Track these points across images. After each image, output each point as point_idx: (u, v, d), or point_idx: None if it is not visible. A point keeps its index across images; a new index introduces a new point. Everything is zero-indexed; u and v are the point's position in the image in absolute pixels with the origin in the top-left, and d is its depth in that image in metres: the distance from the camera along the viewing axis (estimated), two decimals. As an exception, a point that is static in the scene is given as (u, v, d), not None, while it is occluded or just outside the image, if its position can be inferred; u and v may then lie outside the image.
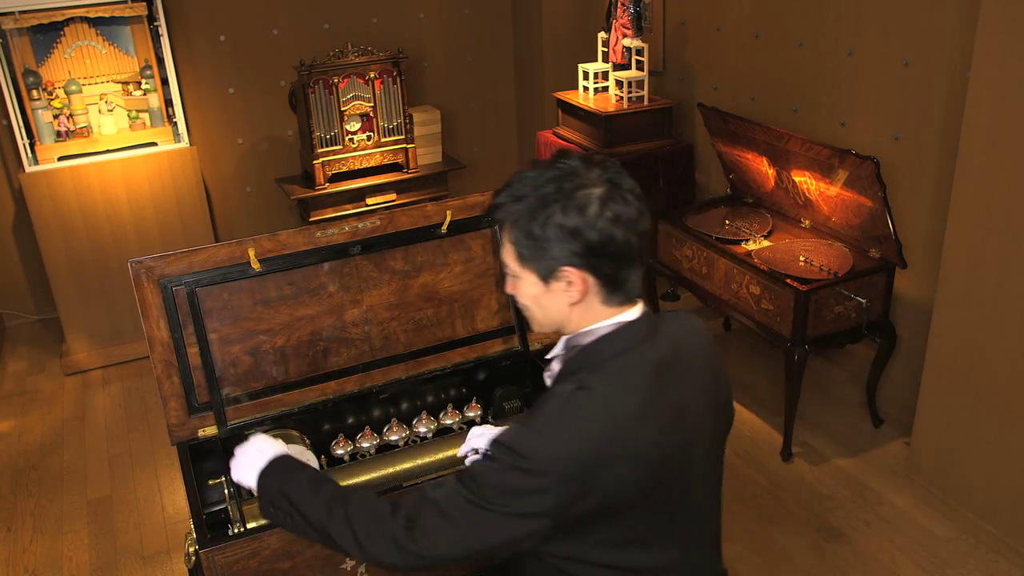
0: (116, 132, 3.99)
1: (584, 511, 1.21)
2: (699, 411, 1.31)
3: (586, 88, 4.11)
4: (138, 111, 4.02)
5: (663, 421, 1.25)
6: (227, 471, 1.61)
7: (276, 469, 1.45)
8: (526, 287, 1.30)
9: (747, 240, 3.32)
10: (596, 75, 4.07)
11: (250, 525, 1.77)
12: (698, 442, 1.31)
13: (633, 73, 3.94)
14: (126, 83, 3.99)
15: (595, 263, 1.23)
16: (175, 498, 3.17)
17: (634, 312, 1.29)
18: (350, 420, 2.13)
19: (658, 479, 1.25)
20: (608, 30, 4.01)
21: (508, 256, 1.30)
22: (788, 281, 2.98)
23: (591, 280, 1.25)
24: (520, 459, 1.18)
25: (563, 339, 1.34)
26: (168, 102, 4.02)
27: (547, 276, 1.26)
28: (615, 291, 1.26)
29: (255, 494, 1.49)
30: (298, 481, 1.40)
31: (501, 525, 1.21)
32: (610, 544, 1.26)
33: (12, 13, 3.61)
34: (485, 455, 1.24)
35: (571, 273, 1.24)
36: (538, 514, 1.20)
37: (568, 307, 1.28)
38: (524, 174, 1.26)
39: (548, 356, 1.38)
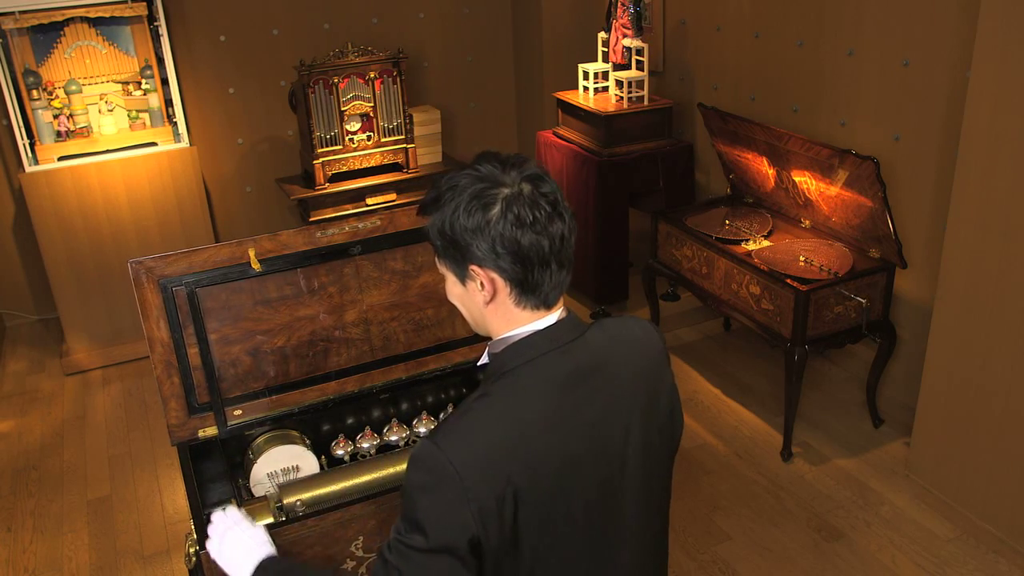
0: (116, 132, 3.98)
1: (503, 520, 1.16)
2: (623, 424, 1.27)
3: (586, 88, 4.11)
4: (138, 111, 4.01)
5: (573, 431, 1.22)
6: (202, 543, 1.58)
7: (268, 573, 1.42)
8: (450, 286, 1.32)
9: (747, 240, 3.32)
10: (596, 75, 4.07)
11: (250, 525, 1.77)
12: (621, 456, 1.27)
13: (633, 73, 3.94)
14: (126, 83, 3.99)
15: (501, 264, 1.22)
16: (175, 498, 3.17)
17: (550, 319, 1.27)
18: (350, 420, 2.13)
19: (568, 489, 1.22)
20: (608, 30, 4.01)
21: (435, 256, 1.32)
22: (788, 281, 2.98)
23: (500, 281, 1.24)
24: (425, 474, 1.16)
25: (488, 345, 1.33)
26: (168, 102, 4.02)
27: (461, 275, 1.27)
28: (527, 294, 1.25)
29: None
30: None
31: (443, 563, 1.16)
32: (522, 558, 1.21)
33: (12, 13, 3.61)
34: (403, 485, 1.21)
35: (479, 272, 1.24)
36: (464, 534, 1.15)
37: (484, 308, 1.28)
38: (447, 175, 1.27)
39: (478, 364, 1.37)
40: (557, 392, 1.22)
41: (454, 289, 1.31)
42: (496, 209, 1.20)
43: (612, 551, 1.29)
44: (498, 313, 1.27)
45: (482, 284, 1.24)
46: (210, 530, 1.47)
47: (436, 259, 1.31)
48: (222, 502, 1.99)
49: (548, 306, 1.27)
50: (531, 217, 1.20)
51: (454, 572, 1.16)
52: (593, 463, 1.24)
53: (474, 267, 1.24)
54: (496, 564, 1.19)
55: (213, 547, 1.45)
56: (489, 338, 1.32)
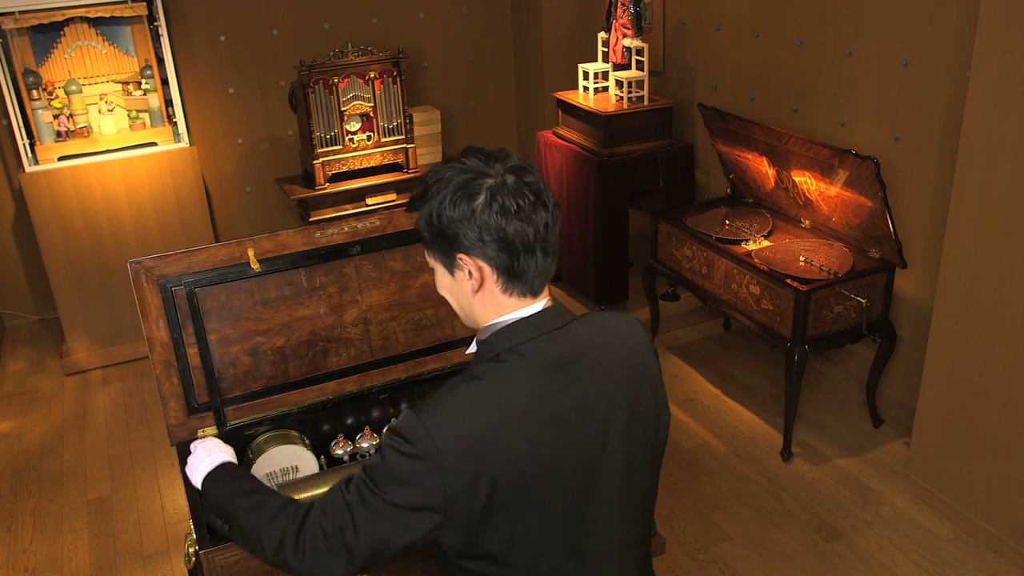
0: (116, 132, 3.99)
1: (473, 503, 1.21)
2: (604, 412, 1.29)
3: (586, 88, 4.11)
4: (138, 111, 4.02)
5: (554, 418, 1.25)
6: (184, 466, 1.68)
7: (221, 476, 1.51)
8: (439, 278, 1.36)
9: (747, 240, 3.32)
10: (596, 75, 4.07)
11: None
12: (602, 444, 1.29)
13: (633, 73, 3.94)
14: (126, 83, 3.99)
15: (488, 252, 1.26)
16: (175, 498, 3.17)
17: (536, 307, 1.31)
18: (350, 420, 2.13)
19: (546, 475, 1.24)
20: (608, 30, 4.01)
21: (424, 249, 1.35)
22: (788, 281, 2.98)
23: (487, 269, 1.28)
24: (405, 444, 1.21)
25: (476, 334, 1.36)
26: (168, 102, 4.02)
27: (450, 265, 1.31)
28: (513, 281, 1.28)
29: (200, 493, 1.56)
30: (237, 491, 1.44)
31: (398, 520, 1.22)
32: (498, 539, 1.24)
33: (12, 13, 3.61)
34: (380, 444, 1.26)
35: (466, 261, 1.28)
36: (426, 506, 1.21)
37: (472, 297, 1.31)
38: (435, 169, 1.31)
39: (467, 352, 1.40)
40: (540, 378, 1.26)
41: (443, 280, 1.35)
42: (481, 198, 1.24)
43: (587, 539, 1.31)
44: (485, 301, 1.31)
45: (470, 272, 1.28)
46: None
47: (425, 252, 1.35)
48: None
49: (534, 294, 1.31)
50: (515, 206, 1.24)
51: (404, 528, 1.22)
52: (572, 450, 1.27)
53: (462, 256, 1.27)
54: (469, 534, 1.23)
55: (188, 464, 1.56)
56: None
